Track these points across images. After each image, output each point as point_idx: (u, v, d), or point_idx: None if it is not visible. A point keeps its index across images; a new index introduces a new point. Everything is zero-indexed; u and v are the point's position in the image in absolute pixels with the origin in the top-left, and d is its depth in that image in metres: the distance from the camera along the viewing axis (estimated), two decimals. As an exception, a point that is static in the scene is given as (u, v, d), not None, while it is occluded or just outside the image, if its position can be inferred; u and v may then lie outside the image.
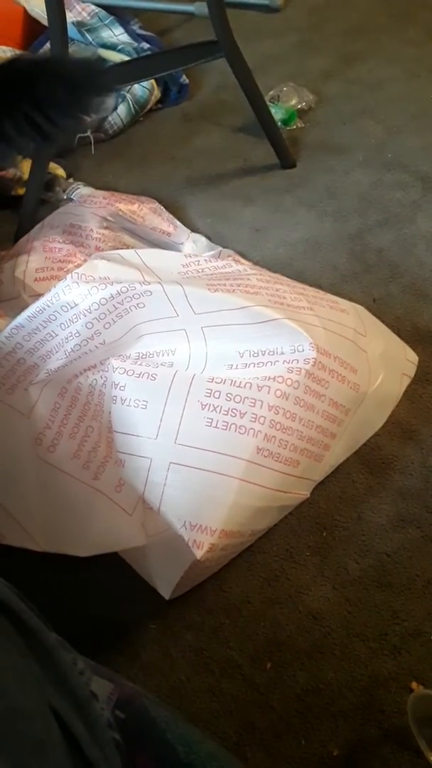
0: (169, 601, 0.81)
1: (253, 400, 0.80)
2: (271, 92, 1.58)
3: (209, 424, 0.79)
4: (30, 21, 1.72)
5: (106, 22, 1.72)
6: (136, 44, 1.68)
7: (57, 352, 0.89)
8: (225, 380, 0.82)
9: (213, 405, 0.80)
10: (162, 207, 1.30)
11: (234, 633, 0.81)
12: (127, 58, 1.61)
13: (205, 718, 0.76)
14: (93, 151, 1.53)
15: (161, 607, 0.82)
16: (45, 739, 0.36)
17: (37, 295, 1.04)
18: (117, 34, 1.70)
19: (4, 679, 0.36)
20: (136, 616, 0.83)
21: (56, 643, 0.44)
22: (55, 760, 0.35)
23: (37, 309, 0.89)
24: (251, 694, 0.77)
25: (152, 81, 1.58)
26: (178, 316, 0.86)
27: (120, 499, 0.81)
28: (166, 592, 0.80)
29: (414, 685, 0.76)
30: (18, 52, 1.67)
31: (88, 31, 1.68)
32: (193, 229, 1.30)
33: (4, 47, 1.64)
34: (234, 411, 0.80)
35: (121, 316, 0.87)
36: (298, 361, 0.81)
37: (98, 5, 1.75)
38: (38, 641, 0.43)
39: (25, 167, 1.35)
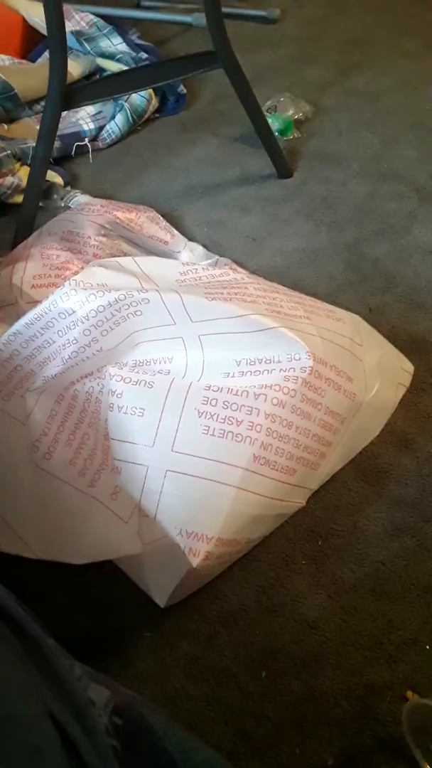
0: (165, 610, 0.81)
1: (250, 408, 0.80)
2: (269, 102, 1.59)
3: (206, 432, 0.79)
4: (29, 30, 1.73)
5: (105, 31, 1.73)
6: (134, 54, 1.69)
7: (54, 359, 0.89)
8: (222, 388, 0.82)
9: (210, 413, 0.80)
10: (159, 216, 1.31)
11: (229, 641, 0.81)
12: (125, 68, 1.63)
13: (200, 726, 0.75)
14: (91, 160, 1.53)
15: (156, 616, 0.82)
16: (43, 744, 0.36)
17: (34, 302, 1.04)
18: (115, 43, 1.71)
19: (2, 685, 0.36)
20: (131, 624, 0.83)
21: (54, 649, 0.44)
22: (53, 766, 0.35)
23: (35, 316, 0.89)
24: (246, 703, 0.76)
25: (150, 90, 1.58)
26: (175, 324, 0.86)
27: (116, 506, 0.81)
28: (161, 600, 0.80)
29: (409, 694, 0.76)
30: (17, 61, 1.68)
31: (87, 40, 1.69)
32: (191, 238, 1.30)
33: (3, 56, 1.65)
34: (230, 419, 0.80)
35: (119, 323, 0.87)
36: (294, 369, 0.82)
37: (97, 15, 1.76)
38: (37, 647, 0.43)
39: (24, 175, 1.35)
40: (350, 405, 0.86)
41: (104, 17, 1.76)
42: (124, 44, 1.72)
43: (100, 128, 1.56)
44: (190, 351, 0.85)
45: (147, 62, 1.68)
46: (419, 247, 1.26)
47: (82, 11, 1.76)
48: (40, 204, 1.32)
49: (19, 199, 1.34)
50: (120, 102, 1.56)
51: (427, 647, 0.79)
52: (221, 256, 1.25)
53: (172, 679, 0.78)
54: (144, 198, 1.41)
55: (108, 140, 1.57)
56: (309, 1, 2.09)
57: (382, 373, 0.92)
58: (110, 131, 1.56)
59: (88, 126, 1.54)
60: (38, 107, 1.61)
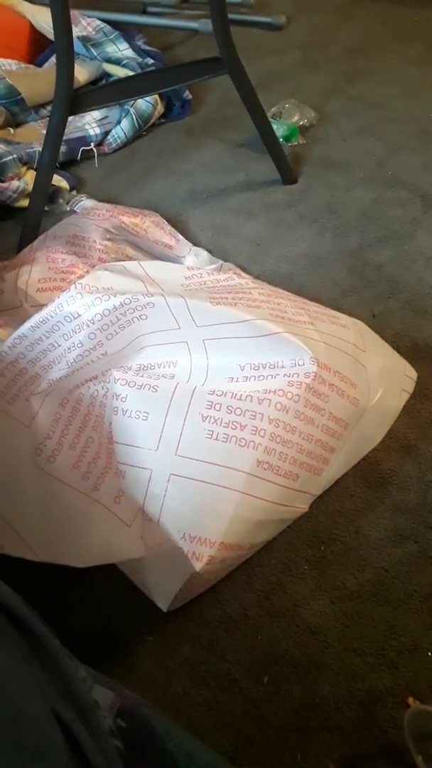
0: (167, 614, 0.81)
1: (254, 413, 0.80)
2: (274, 108, 1.60)
3: (210, 437, 0.79)
4: (36, 35, 1.73)
5: (111, 37, 1.74)
6: (140, 59, 1.70)
7: (59, 362, 0.89)
8: (226, 393, 0.82)
9: (214, 417, 0.81)
10: (164, 220, 1.31)
11: (231, 646, 0.81)
12: (131, 73, 1.63)
13: (202, 731, 0.75)
14: (96, 165, 1.54)
15: (159, 620, 0.82)
16: (48, 744, 0.36)
17: (39, 306, 1.05)
18: (122, 49, 1.72)
19: (7, 684, 0.36)
20: (133, 627, 0.83)
21: (60, 649, 0.44)
22: (57, 765, 0.35)
23: (40, 319, 0.89)
24: (248, 708, 0.76)
25: (156, 96, 1.59)
26: (180, 328, 0.86)
27: (119, 510, 0.81)
28: (163, 605, 0.80)
29: (411, 700, 0.76)
30: (23, 65, 1.68)
31: (94, 45, 1.70)
32: (195, 243, 1.31)
33: (10, 60, 1.66)
34: (234, 423, 0.80)
35: (124, 327, 0.88)
36: (298, 374, 0.82)
37: (103, 20, 1.77)
38: (42, 647, 0.43)
39: (30, 179, 1.36)
40: (354, 411, 0.86)
41: (111, 23, 1.77)
42: (130, 50, 1.73)
43: (106, 133, 1.57)
44: (194, 355, 0.86)
45: (153, 68, 1.69)
46: (423, 254, 1.26)
47: (89, 17, 1.77)
48: (46, 208, 1.33)
49: (25, 202, 1.35)
50: (126, 107, 1.57)
51: (429, 654, 0.79)
52: (226, 261, 1.26)
53: (173, 684, 0.79)
54: (149, 202, 1.42)
55: (114, 145, 1.57)
56: (314, 8, 2.09)
57: (385, 379, 0.92)
58: (116, 136, 1.57)
59: (94, 131, 1.55)
60: (44, 112, 1.61)
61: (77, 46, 1.67)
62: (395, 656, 0.79)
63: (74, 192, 1.43)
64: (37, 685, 0.39)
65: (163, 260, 1.24)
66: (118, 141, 1.57)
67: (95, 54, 1.70)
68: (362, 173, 1.46)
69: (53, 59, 1.67)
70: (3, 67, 1.63)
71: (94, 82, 1.67)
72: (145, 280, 0.92)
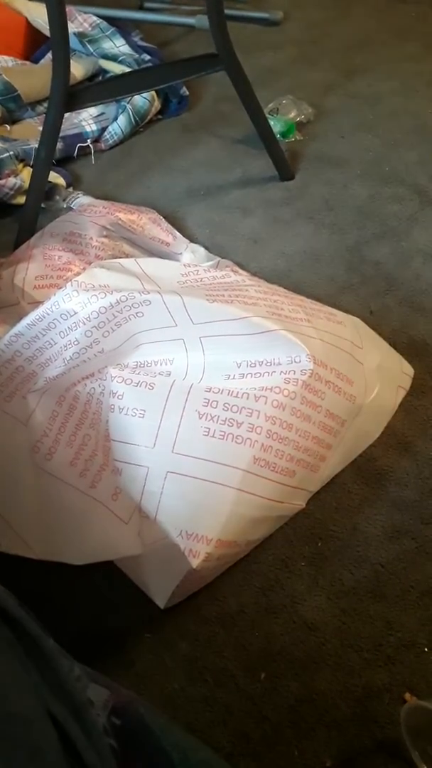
0: (164, 610, 0.81)
1: (250, 410, 0.80)
2: (271, 105, 1.59)
3: (206, 434, 0.79)
4: (32, 31, 1.73)
5: (108, 33, 1.73)
6: (137, 55, 1.70)
7: (56, 360, 0.90)
8: (222, 390, 0.82)
9: (210, 415, 0.81)
10: (161, 217, 1.31)
11: (228, 642, 0.81)
12: (128, 69, 1.63)
13: (199, 727, 0.75)
14: (93, 161, 1.54)
15: (156, 616, 0.82)
16: (42, 744, 0.36)
17: (36, 303, 1.04)
18: (118, 45, 1.72)
19: (2, 684, 0.37)
20: (130, 624, 0.83)
21: (54, 649, 0.44)
22: (52, 765, 0.35)
23: (37, 317, 0.89)
24: (245, 704, 0.77)
25: (153, 92, 1.59)
26: (176, 325, 0.86)
27: (116, 507, 0.81)
28: (161, 602, 0.80)
29: (407, 696, 0.76)
30: (20, 62, 1.68)
31: (90, 41, 1.70)
32: (192, 240, 1.31)
33: (6, 57, 1.66)
34: (231, 421, 0.80)
35: (120, 324, 0.88)
36: (295, 372, 0.82)
37: (100, 16, 1.76)
38: (37, 647, 0.43)
39: (26, 176, 1.36)
40: (350, 408, 0.86)
41: (107, 19, 1.77)
42: (126, 46, 1.72)
43: (103, 130, 1.56)
44: (191, 353, 0.86)
45: (149, 64, 1.69)
46: (420, 250, 1.26)
47: (85, 12, 1.76)
48: (42, 205, 1.33)
49: (21, 200, 1.35)
50: (122, 103, 1.56)
51: (426, 650, 0.79)
52: (222, 258, 1.26)
53: (171, 680, 0.79)
54: (146, 199, 1.42)
55: (110, 142, 1.57)
56: (311, 4, 2.09)
57: (382, 375, 0.92)
58: (113, 133, 1.57)
59: (91, 127, 1.55)
60: (41, 108, 1.61)
61: (73, 42, 1.67)
62: (392, 652, 0.79)
63: (71, 189, 1.43)
64: (31, 685, 0.39)
65: (159, 257, 1.24)
66: (115, 137, 1.57)
67: (92, 50, 1.69)
68: (359, 169, 1.45)
69: (49, 56, 1.67)
70: (-1, 64, 1.63)
71: (90, 79, 1.66)
72: (141, 277, 0.92)
